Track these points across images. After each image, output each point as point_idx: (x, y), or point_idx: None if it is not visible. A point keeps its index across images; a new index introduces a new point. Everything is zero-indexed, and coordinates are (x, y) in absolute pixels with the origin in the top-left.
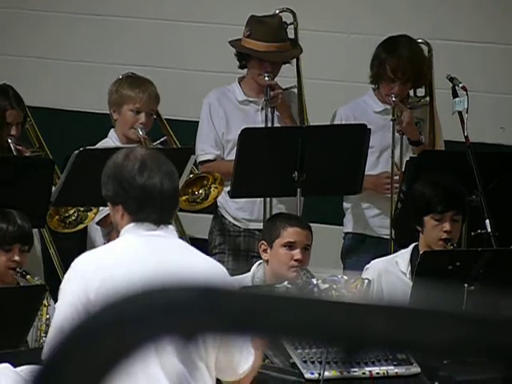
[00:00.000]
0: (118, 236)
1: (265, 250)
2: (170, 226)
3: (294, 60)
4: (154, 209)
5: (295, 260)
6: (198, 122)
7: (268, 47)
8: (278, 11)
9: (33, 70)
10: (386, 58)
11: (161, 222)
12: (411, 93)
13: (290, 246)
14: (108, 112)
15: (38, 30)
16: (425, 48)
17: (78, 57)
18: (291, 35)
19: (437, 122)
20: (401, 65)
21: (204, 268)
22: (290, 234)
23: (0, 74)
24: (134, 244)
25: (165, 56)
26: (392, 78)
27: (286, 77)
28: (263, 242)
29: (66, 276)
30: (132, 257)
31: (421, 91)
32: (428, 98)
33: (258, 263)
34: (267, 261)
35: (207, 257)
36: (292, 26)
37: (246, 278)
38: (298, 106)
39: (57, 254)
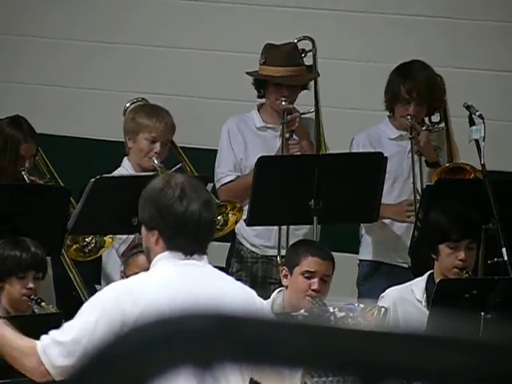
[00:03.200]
0: (149, 261)
1: (285, 276)
2: (205, 257)
3: (312, 86)
4: (190, 238)
5: (312, 290)
6: (210, 150)
7: (283, 71)
8: (296, 40)
9: (47, 98)
10: (401, 80)
11: (195, 252)
12: (426, 120)
13: (309, 275)
14: (121, 140)
15: (53, 57)
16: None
17: (91, 84)
18: (309, 62)
19: (454, 146)
20: (416, 86)
21: (238, 296)
22: (309, 263)
23: (13, 102)
24: (169, 273)
25: (178, 84)
26: (407, 99)
27: (303, 105)
28: (284, 267)
29: (102, 293)
30: (166, 287)
31: (435, 118)
32: (443, 124)
33: (278, 290)
34: (287, 286)
35: (242, 285)
36: (311, 54)
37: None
38: (315, 132)
39: (80, 278)
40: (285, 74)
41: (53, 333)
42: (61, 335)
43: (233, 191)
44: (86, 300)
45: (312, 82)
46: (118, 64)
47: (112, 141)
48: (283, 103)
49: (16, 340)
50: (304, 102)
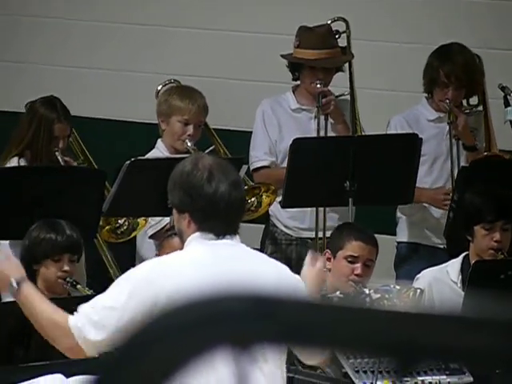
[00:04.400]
0: (182, 243)
1: (328, 259)
2: (237, 236)
3: (347, 68)
4: (221, 219)
5: (355, 274)
6: (245, 131)
7: (318, 54)
8: (330, 21)
9: (82, 80)
10: (440, 64)
11: (227, 232)
12: (464, 102)
13: (352, 259)
14: (155, 122)
15: (90, 40)
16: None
17: (126, 66)
18: (343, 43)
19: (492, 130)
20: (455, 70)
21: (272, 275)
22: (353, 247)
23: (49, 85)
24: (201, 253)
25: (212, 65)
26: (446, 83)
27: (338, 86)
28: (328, 250)
29: (134, 270)
30: (199, 266)
31: (473, 100)
32: (481, 107)
33: None
34: (330, 269)
35: (276, 262)
36: (345, 35)
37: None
38: (350, 114)
39: (114, 261)
40: (319, 56)
41: (85, 308)
42: (92, 311)
43: (267, 180)
44: None
45: (346, 64)
46: (151, 45)
47: (146, 123)
48: (318, 86)
49: (49, 312)
50: (338, 83)
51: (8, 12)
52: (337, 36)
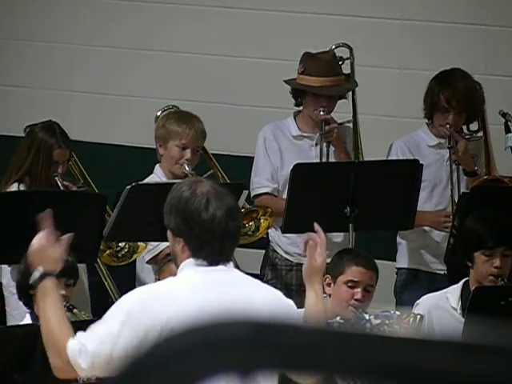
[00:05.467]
0: (176, 266)
1: (328, 284)
2: (231, 263)
3: (350, 95)
4: (216, 248)
5: (355, 299)
6: (246, 157)
7: (322, 82)
8: (334, 46)
9: (80, 104)
10: (441, 89)
11: (220, 261)
12: (464, 129)
13: (353, 284)
14: (153, 147)
15: (87, 63)
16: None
17: (125, 91)
18: (347, 70)
19: (492, 156)
20: (456, 94)
21: (267, 300)
22: (353, 272)
23: (48, 109)
24: (195, 279)
25: (213, 91)
26: (446, 108)
27: (341, 112)
28: (328, 275)
29: (127, 298)
30: (193, 292)
31: (473, 127)
32: (481, 133)
33: None
34: (330, 295)
35: (269, 287)
36: (348, 61)
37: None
38: (352, 141)
39: (115, 286)
40: (324, 84)
41: (81, 336)
42: (87, 340)
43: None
44: None
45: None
46: (152, 70)
47: (145, 147)
48: (321, 113)
49: (54, 324)
50: (341, 109)
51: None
52: (340, 62)
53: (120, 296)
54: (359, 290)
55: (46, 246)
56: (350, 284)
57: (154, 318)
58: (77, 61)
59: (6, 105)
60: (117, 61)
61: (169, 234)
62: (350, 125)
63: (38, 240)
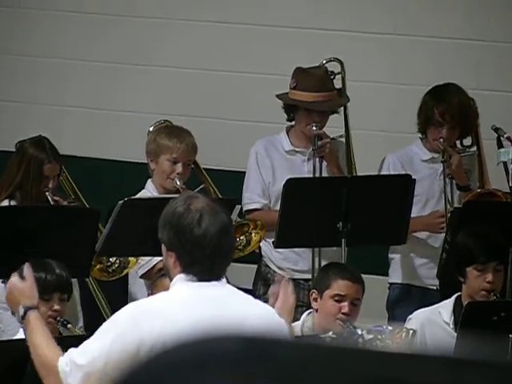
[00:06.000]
0: (170, 279)
1: (315, 299)
2: (223, 279)
3: (342, 110)
4: (206, 265)
5: (342, 313)
6: (238, 171)
7: (314, 97)
8: (325, 61)
9: (72, 119)
10: (435, 103)
11: (211, 278)
12: (458, 144)
13: (339, 298)
14: (145, 161)
15: (78, 78)
16: None
17: (116, 106)
18: (338, 85)
19: (485, 171)
20: (449, 109)
21: (260, 317)
22: (339, 286)
23: (40, 124)
24: (187, 294)
25: (205, 106)
26: (440, 122)
27: (333, 127)
28: (314, 290)
29: (118, 314)
30: (185, 307)
31: (467, 141)
32: (475, 148)
33: (307, 312)
34: (317, 310)
35: (264, 305)
36: (339, 76)
37: (295, 327)
38: (345, 155)
39: (106, 301)
40: (316, 99)
41: (73, 353)
42: (79, 357)
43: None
44: None
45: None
46: (143, 86)
47: (137, 162)
48: (314, 128)
49: (42, 349)
50: (333, 124)
51: None
52: (332, 77)
53: (111, 310)
54: (346, 303)
55: (18, 287)
56: (336, 298)
57: (145, 332)
58: (69, 76)
59: None
60: (109, 75)
61: (162, 247)
62: (343, 139)
63: (9, 284)
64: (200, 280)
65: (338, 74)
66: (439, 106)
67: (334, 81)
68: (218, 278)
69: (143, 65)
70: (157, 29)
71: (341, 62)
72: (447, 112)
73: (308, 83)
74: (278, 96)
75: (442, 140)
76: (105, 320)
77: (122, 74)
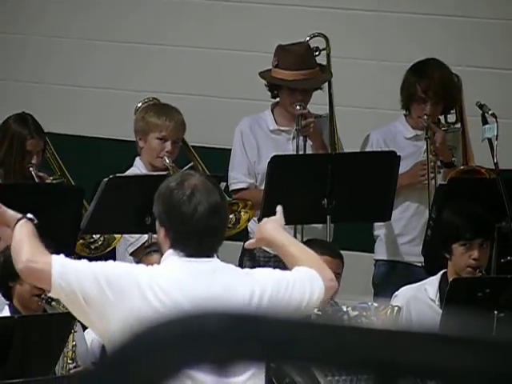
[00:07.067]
0: (161, 255)
1: None
2: (215, 257)
3: (326, 86)
4: (193, 241)
5: None
6: (224, 149)
7: (296, 75)
8: (309, 37)
9: (60, 97)
10: (417, 79)
11: (199, 254)
12: (442, 119)
13: None
14: (133, 139)
15: (65, 57)
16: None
17: (104, 84)
18: (323, 61)
19: (469, 147)
20: (432, 84)
21: (248, 290)
22: None
23: (25, 102)
24: (178, 267)
25: (191, 83)
26: (423, 98)
27: (317, 104)
28: None
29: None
30: (173, 280)
31: (451, 118)
32: (459, 125)
33: None
34: None
35: (253, 276)
36: (325, 52)
37: None
38: (329, 133)
39: None
40: (298, 77)
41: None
42: (72, 261)
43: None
44: None
45: (326, 83)
46: (130, 63)
47: (125, 140)
48: (298, 108)
49: (27, 239)
50: (317, 100)
51: None
52: (316, 53)
53: None
54: None
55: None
56: None
57: (140, 282)
58: (52, 53)
59: None
60: (93, 53)
61: (156, 222)
62: (327, 116)
63: None
64: (187, 255)
65: (323, 49)
66: (421, 81)
67: (319, 57)
68: (208, 256)
69: (128, 42)
70: (139, 5)
71: (326, 38)
72: (430, 87)
73: (289, 61)
74: (260, 74)
75: (425, 117)
76: None
77: (106, 51)
